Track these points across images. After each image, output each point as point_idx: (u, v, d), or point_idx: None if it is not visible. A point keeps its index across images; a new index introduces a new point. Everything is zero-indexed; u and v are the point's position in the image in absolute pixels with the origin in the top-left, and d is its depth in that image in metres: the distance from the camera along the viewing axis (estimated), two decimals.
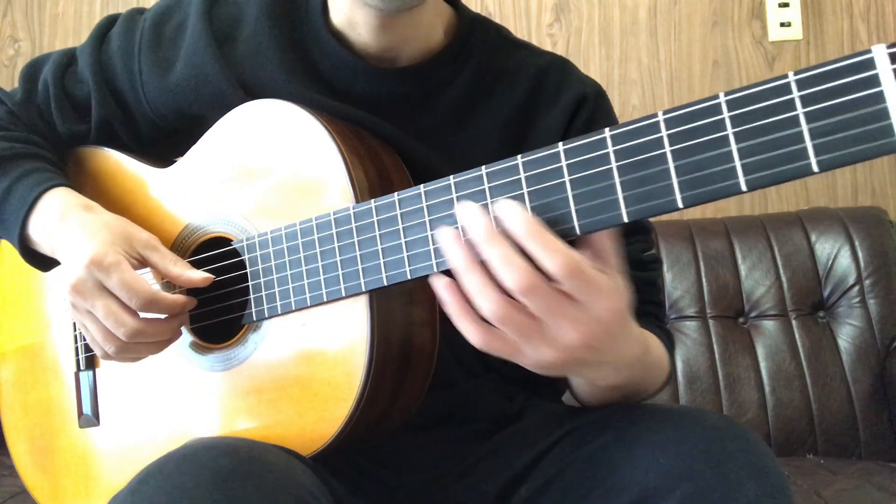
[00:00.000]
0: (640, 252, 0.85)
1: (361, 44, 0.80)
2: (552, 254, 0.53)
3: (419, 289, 0.73)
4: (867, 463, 1.36)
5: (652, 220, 1.67)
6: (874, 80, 0.45)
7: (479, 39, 0.84)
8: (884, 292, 1.51)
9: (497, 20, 1.90)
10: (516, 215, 0.54)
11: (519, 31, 1.91)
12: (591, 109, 0.85)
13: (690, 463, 0.61)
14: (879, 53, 0.45)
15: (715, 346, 1.52)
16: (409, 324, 0.72)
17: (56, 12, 2.09)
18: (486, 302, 0.54)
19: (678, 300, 1.57)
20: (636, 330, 0.64)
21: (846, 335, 1.50)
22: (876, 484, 1.20)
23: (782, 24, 1.81)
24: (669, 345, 0.83)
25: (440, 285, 0.56)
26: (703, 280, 1.57)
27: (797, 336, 1.51)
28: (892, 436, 1.43)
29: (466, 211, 0.56)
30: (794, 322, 1.53)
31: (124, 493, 0.57)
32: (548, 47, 1.89)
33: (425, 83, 0.82)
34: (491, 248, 0.54)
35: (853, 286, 1.52)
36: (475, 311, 0.56)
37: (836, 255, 1.54)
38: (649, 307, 0.85)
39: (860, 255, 1.53)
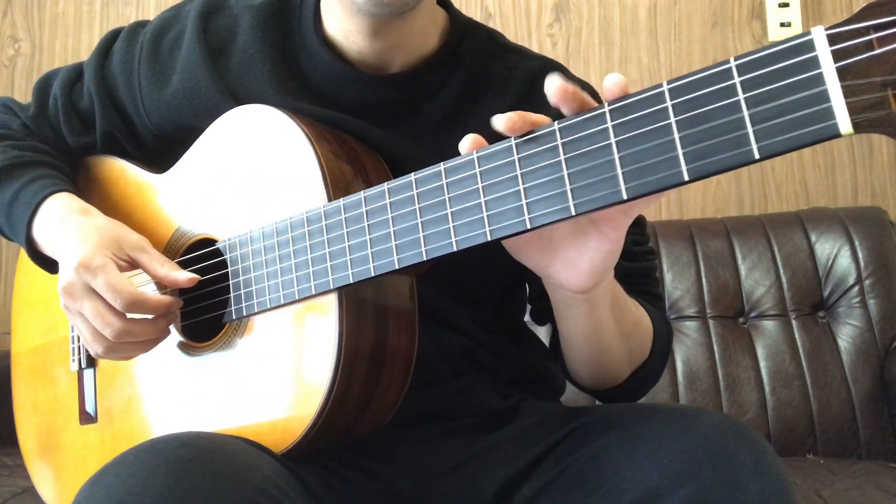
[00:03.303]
0: (630, 244, 0.85)
1: (355, 51, 0.81)
2: None
3: (396, 292, 0.74)
4: (867, 463, 1.36)
5: (651, 219, 1.68)
6: (814, 62, 0.44)
7: (470, 45, 0.85)
8: (884, 292, 1.50)
9: (497, 20, 1.92)
10: None
11: (519, 30, 1.91)
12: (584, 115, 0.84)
13: (693, 463, 0.61)
14: (818, 35, 0.44)
15: (715, 346, 1.52)
16: (383, 325, 0.73)
17: (56, 12, 2.09)
18: None
19: (678, 300, 1.57)
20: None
21: (846, 335, 1.50)
22: (876, 484, 1.19)
23: (782, 24, 1.81)
24: (665, 327, 0.85)
25: None
26: (703, 280, 1.57)
27: (797, 336, 1.51)
28: (892, 436, 1.43)
29: None
30: (794, 322, 1.53)
31: (87, 485, 0.59)
32: (548, 47, 1.90)
33: (415, 89, 0.82)
34: None
35: (853, 286, 1.52)
36: None
37: (836, 255, 1.54)
38: (647, 297, 0.85)
39: (860, 255, 1.52)
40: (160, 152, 0.91)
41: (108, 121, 0.90)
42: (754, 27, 1.84)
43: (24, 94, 2.09)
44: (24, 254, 1.04)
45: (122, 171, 0.93)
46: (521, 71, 0.85)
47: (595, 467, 0.68)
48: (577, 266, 0.64)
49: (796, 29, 1.81)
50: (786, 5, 1.81)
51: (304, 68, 0.83)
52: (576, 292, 0.67)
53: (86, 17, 2.09)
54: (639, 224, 0.88)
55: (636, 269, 0.85)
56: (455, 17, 0.86)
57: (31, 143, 0.90)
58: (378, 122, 0.81)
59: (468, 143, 0.60)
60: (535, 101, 0.84)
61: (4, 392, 1.06)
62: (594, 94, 0.86)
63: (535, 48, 1.89)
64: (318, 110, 0.80)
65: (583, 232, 0.62)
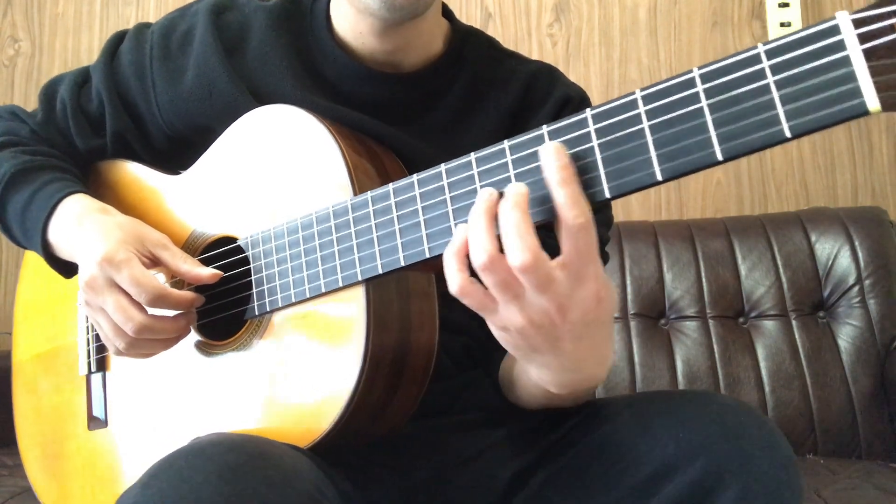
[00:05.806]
0: None
1: (367, 52, 0.83)
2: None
3: (418, 290, 0.74)
4: (867, 463, 1.36)
5: (651, 219, 1.68)
6: (840, 45, 0.46)
7: (473, 50, 0.88)
8: (884, 292, 1.51)
9: (497, 20, 1.93)
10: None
11: (519, 31, 1.91)
12: (574, 111, 0.86)
13: (708, 437, 0.64)
14: (843, 20, 0.46)
15: (715, 346, 1.52)
16: (407, 320, 0.73)
17: (56, 12, 2.10)
18: (479, 250, 0.55)
19: (678, 300, 1.57)
20: (606, 348, 0.64)
21: (846, 335, 1.50)
22: (876, 484, 1.20)
23: (782, 24, 1.82)
24: None
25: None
26: (703, 280, 1.57)
27: (797, 336, 1.51)
28: (892, 436, 1.43)
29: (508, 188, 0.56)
30: (794, 322, 1.53)
31: (136, 488, 0.58)
32: (548, 47, 1.90)
33: (425, 89, 0.85)
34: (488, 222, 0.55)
35: (853, 286, 1.52)
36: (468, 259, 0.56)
37: (836, 255, 1.54)
38: None
39: (860, 255, 1.53)
40: (170, 154, 0.92)
41: (118, 121, 0.90)
42: (754, 27, 1.84)
43: (24, 94, 2.09)
44: (27, 261, 1.03)
45: (135, 175, 0.93)
46: (520, 73, 0.89)
47: (611, 444, 0.70)
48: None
49: (796, 29, 1.81)
50: (786, 5, 1.81)
51: (320, 65, 0.85)
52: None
53: (86, 17, 2.09)
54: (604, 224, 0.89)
55: None
56: (456, 24, 0.90)
57: (41, 147, 0.90)
58: (390, 120, 0.83)
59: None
60: (531, 100, 0.88)
61: (4, 393, 1.05)
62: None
63: (535, 48, 1.89)
64: (336, 108, 0.81)
65: None
